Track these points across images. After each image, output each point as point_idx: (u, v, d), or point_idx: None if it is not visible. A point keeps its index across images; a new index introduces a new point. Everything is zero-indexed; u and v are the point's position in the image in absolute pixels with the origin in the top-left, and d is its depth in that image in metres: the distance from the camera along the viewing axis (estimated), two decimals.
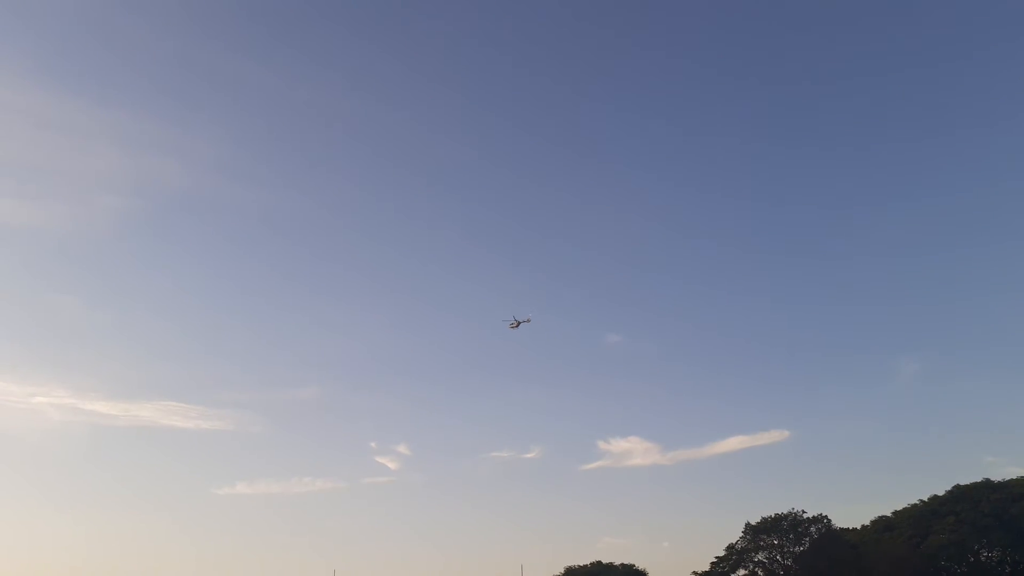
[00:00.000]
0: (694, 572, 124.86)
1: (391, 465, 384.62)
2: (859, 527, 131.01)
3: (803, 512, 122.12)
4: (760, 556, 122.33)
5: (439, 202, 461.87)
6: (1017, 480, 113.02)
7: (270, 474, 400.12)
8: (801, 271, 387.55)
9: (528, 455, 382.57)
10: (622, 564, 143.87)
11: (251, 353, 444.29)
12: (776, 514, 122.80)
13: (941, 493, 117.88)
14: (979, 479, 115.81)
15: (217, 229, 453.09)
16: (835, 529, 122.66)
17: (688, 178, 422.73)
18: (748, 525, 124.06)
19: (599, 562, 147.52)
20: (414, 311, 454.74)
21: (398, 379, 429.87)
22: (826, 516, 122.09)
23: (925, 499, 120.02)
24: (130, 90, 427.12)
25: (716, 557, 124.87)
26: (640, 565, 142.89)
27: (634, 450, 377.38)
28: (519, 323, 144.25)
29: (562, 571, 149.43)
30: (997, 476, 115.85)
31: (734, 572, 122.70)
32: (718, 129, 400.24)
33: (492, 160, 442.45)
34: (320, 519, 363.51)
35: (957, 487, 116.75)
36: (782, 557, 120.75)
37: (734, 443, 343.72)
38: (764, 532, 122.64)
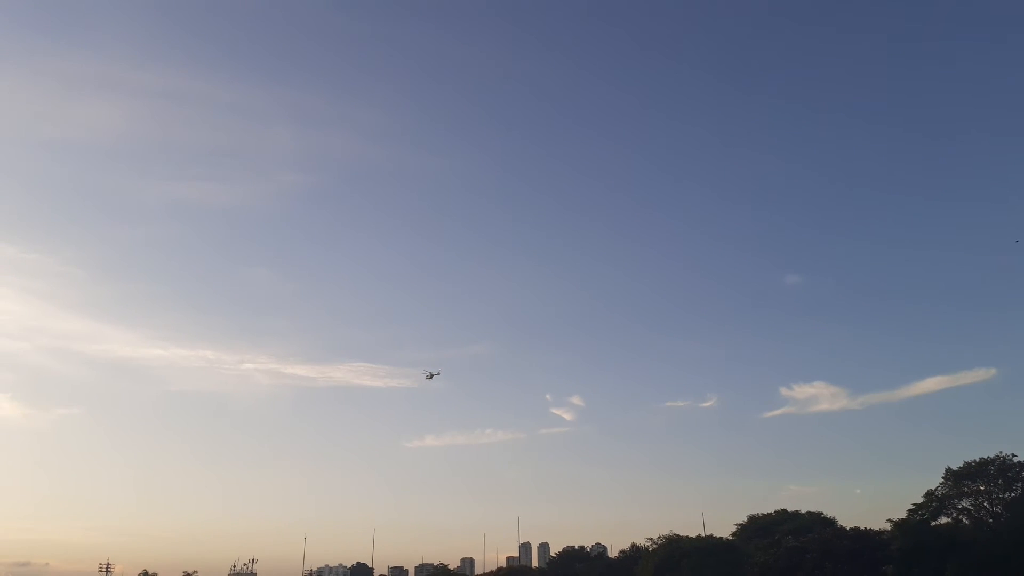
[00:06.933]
0: (890, 520, 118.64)
1: (566, 416, 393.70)
2: None
3: (1013, 456, 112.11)
4: (964, 503, 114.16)
5: (607, 153, 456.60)
6: None
7: (455, 427, 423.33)
8: (1005, 187, 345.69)
9: (705, 404, 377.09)
10: (808, 512, 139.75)
11: (431, 313, 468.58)
12: (981, 458, 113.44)
13: None
14: None
15: (389, 195, 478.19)
16: None
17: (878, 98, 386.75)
18: (949, 470, 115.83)
19: (784, 511, 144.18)
20: (583, 263, 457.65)
21: (570, 331, 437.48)
22: None
23: None
24: (299, 68, 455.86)
25: (914, 504, 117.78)
26: (829, 513, 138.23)
27: (820, 395, 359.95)
28: (432, 375, 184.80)
29: (745, 520, 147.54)
30: None
31: (935, 520, 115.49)
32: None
33: (664, 91, 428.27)
34: (502, 468, 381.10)
35: None
36: (990, 504, 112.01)
37: (931, 384, 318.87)
38: (968, 478, 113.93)
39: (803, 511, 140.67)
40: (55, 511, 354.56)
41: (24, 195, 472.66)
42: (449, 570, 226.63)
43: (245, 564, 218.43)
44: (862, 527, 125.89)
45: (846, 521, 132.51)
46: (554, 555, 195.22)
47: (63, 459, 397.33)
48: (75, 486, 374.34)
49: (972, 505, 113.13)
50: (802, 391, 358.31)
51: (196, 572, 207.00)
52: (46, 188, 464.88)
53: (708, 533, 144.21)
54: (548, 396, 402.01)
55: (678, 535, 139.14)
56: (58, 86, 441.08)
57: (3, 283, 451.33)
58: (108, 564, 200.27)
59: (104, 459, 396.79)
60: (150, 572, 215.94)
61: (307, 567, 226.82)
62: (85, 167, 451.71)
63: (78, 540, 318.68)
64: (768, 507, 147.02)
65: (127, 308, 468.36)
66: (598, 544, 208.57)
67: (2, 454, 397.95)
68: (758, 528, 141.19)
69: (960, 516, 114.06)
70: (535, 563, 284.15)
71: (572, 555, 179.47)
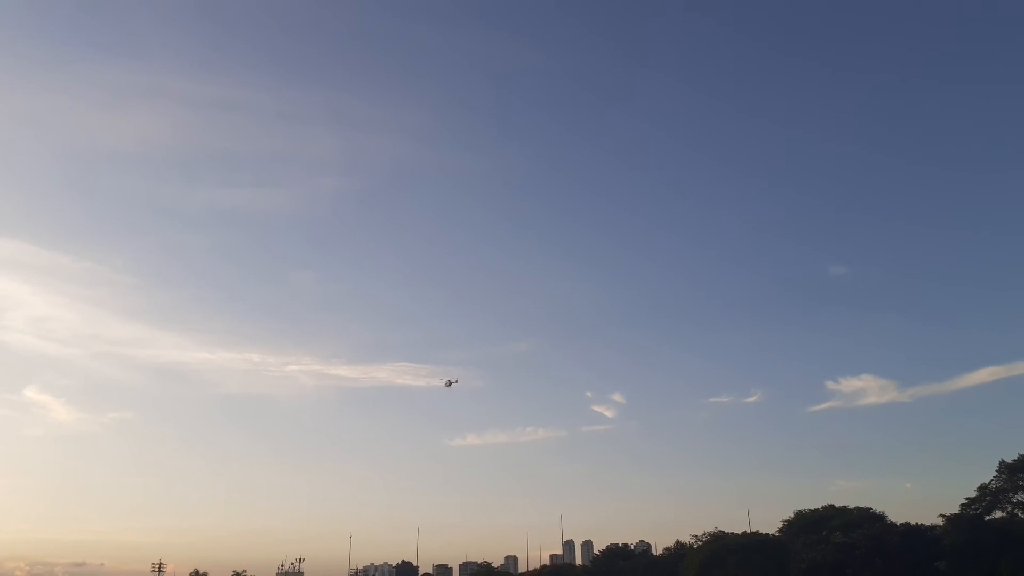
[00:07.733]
0: (941, 515, 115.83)
1: (607, 413, 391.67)
2: None
3: None
4: (1019, 497, 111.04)
5: (647, 147, 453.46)
6: None
7: (496, 425, 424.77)
8: None
9: (749, 399, 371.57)
10: (856, 508, 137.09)
11: (470, 311, 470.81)
12: None
13: None
14: None
15: (429, 195, 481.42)
16: None
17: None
18: (1003, 463, 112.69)
19: (831, 506, 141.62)
20: (622, 259, 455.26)
21: (610, 328, 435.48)
22: None
23: None
24: (339, 72, 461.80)
25: (967, 498, 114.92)
26: (878, 508, 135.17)
27: (867, 388, 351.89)
28: (450, 383, 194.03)
29: (792, 516, 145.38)
30: None
31: (989, 514, 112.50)
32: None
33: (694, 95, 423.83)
34: (544, 466, 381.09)
35: None
36: None
37: (984, 375, 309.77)
38: (1023, 471, 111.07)
39: (851, 506, 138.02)
40: (109, 513, 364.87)
41: (76, 205, 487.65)
42: (493, 568, 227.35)
43: (292, 563, 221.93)
44: (913, 522, 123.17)
45: (896, 516, 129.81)
46: (597, 553, 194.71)
47: (116, 462, 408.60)
48: (128, 488, 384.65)
49: None
50: (849, 384, 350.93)
51: (245, 571, 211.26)
52: (96, 197, 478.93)
53: (754, 530, 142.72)
54: (589, 393, 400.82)
55: (723, 532, 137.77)
56: (105, 96, 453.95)
57: (58, 291, 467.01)
58: (161, 564, 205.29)
59: (155, 461, 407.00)
60: (201, 571, 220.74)
61: (353, 566, 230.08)
62: (133, 176, 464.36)
63: (131, 541, 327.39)
64: (815, 503, 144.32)
65: (175, 313, 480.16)
66: (642, 542, 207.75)
67: (58, 458, 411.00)
68: (805, 524, 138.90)
69: (1015, 510, 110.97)
70: (579, 561, 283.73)
71: (616, 553, 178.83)
